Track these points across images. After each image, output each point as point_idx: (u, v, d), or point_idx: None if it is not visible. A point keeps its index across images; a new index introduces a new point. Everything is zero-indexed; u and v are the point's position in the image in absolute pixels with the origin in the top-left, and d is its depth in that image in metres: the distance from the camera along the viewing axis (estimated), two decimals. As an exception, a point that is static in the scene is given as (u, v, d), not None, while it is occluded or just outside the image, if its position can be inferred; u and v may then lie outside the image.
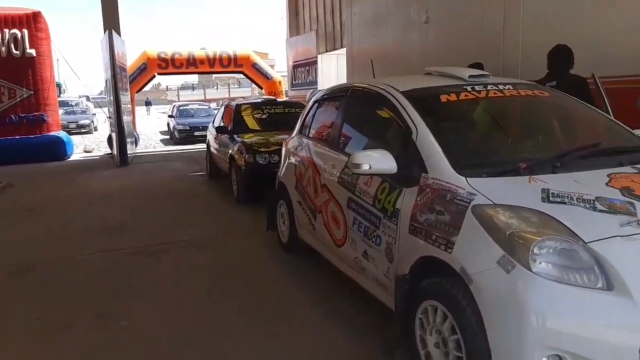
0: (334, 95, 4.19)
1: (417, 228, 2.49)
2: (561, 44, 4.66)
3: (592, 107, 3.45)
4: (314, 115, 4.39)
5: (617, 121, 3.22)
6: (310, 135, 4.27)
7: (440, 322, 2.31)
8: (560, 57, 4.59)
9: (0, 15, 11.84)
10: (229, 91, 51.67)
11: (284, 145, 4.84)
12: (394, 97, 3.10)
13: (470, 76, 3.28)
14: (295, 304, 3.57)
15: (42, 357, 2.99)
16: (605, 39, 5.33)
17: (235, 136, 7.13)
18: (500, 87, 3.16)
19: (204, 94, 53.83)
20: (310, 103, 4.57)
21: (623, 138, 3.00)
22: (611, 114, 3.81)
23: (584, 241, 1.97)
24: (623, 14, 5.33)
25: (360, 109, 3.71)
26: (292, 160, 4.40)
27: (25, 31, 11.92)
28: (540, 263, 1.95)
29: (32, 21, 12.06)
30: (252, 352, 2.93)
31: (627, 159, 2.59)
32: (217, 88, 65.09)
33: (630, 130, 3.07)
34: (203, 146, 10.84)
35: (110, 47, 10.71)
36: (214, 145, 8.37)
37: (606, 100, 4.06)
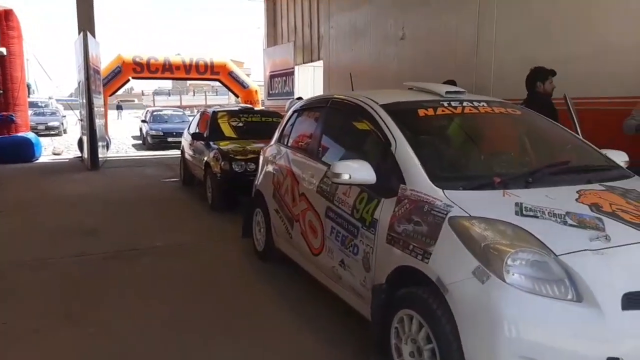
0: (314, 105, 4.23)
1: (394, 238, 2.54)
2: (532, 67, 4.91)
3: (562, 126, 3.59)
4: (293, 124, 4.42)
5: (585, 141, 3.37)
6: (289, 144, 4.30)
7: (415, 331, 2.35)
8: (527, 78, 4.95)
9: (-30, 12, 11.53)
10: (206, 98, 51.17)
11: (261, 153, 4.85)
12: (373, 109, 3.16)
13: (447, 92, 3.37)
14: (270, 311, 3.57)
15: (8, 363, 2.91)
16: (574, 58, 5.56)
17: (211, 143, 7.11)
18: (475, 103, 3.27)
19: (180, 100, 53.15)
20: (290, 112, 4.60)
21: (591, 157, 3.13)
22: (579, 133, 3.97)
23: (555, 254, 2.05)
24: (593, 34, 5.58)
25: (340, 120, 3.76)
26: (270, 168, 4.41)
27: (-4, 29, 11.64)
28: (513, 274, 2.01)
29: (4, 19, 11.77)
30: (220, 355, 2.92)
31: (595, 177, 2.72)
32: (193, 94, 64.40)
33: (598, 149, 3.21)
34: (176, 152, 10.75)
35: (85, 49, 10.53)
36: (188, 152, 8.31)
37: (575, 120, 4.24)
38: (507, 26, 6.71)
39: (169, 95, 62.64)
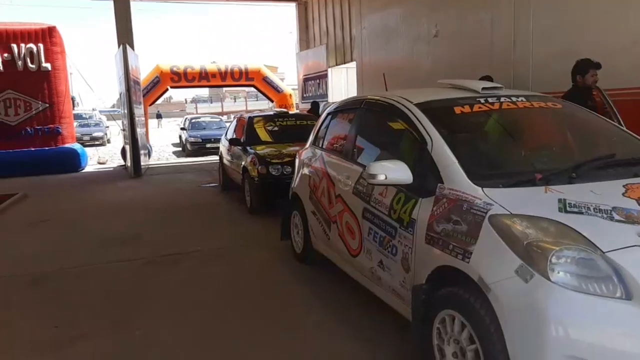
0: (348, 107, 4.24)
1: (433, 238, 2.51)
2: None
3: (605, 118, 3.47)
4: (327, 126, 4.44)
5: (630, 132, 3.24)
6: (324, 147, 4.32)
7: (458, 331, 2.32)
8: (572, 70, 4.88)
9: (17, 30, 12.11)
10: (246, 104, 51.64)
11: (297, 156, 4.89)
12: (408, 109, 3.14)
13: (483, 88, 3.31)
14: (310, 313, 3.59)
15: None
16: (613, 50, 5.36)
17: (248, 148, 7.21)
18: (513, 99, 3.20)
19: (222, 106, 53.55)
20: (324, 115, 4.62)
21: (637, 149, 3.01)
22: (622, 124, 3.83)
23: (602, 250, 1.98)
24: (632, 25, 5.36)
25: (375, 121, 3.76)
26: (306, 171, 4.44)
27: (41, 45, 12.19)
28: (558, 272, 1.96)
29: (48, 36, 12.33)
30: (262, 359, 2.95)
31: (643, 170, 2.61)
32: (234, 100, 64.97)
33: (645, 141, 3.08)
34: (215, 158, 10.94)
35: (125, 61, 10.90)
36: (226, 157, 8.45)
37: (616, 112, 4.09)
38: (544, 19, 6.52)
39: (211, 102, 63.47)
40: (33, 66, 12.11)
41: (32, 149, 12.07)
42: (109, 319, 3.63)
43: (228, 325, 3.44)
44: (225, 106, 55.74)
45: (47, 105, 12.33)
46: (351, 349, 3.03)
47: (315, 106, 11.41)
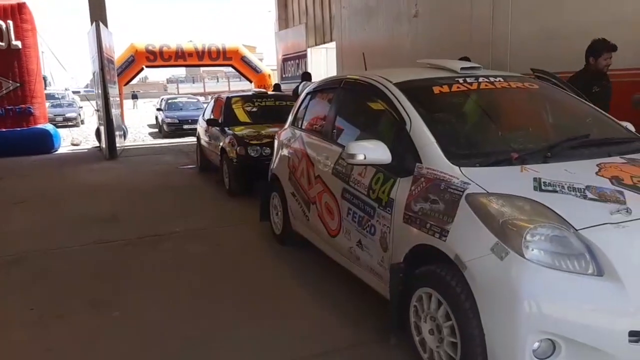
0: (327, 87, 4.21)
1: (411, 217, 2.53)
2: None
3: (582, 99, 3.51)
4: (306, 107, 4.40)
5: (605, 113, 3.29)
6: (303, 127, 4.29)
7: (434, 309, 2.36)
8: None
9: (-15, 6, 11.66)
10: (229, 84, 50.38)
11: (276, 137, 4.86)
12: (387, 88, 3.13)
13: (462, 68, 3.32)
14: (289, 293, 3.60)
15: (36, 347, 2.99)
16: (592, 31, 5.41)
17: (226, 129, 7.13)
18: (492, 79, 3.21)
19: (204, 87, 52.01)
20: (303, 95, 4.58)
21: (611, 129, 3.07)
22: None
23: (575, 228, 2.02)
24: (610, 6, 5.42)
25: (354, 101, 3.74)
26: (285, 152, 4.42)
27: (11, 22, 11.73)
28: (532, 250, 2.00)
29: (17, 12, 11.87)
30: (245, 338, 2.96)
31: (616, 150, 2.66)
32: (217, 81, 63.29)
33: (618, 121, 3.14)
34: (192, 139, 10.80)
35: (98, 40, 10.61)
36: (204, 138, 8.35)
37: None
38: (523, -1, 6.54)
39: (193, 83, 61.97)
40: (2, 44, 11.66)
41: (3, 129, 11.71)
42: (87, 299, 3.58)
43: (209, 305, 3.43)
44: (207, 86, 54.44)
45: (18, 84, 11.94)
46: (333, 326, 3.06)
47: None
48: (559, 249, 2.00)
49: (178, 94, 39.52)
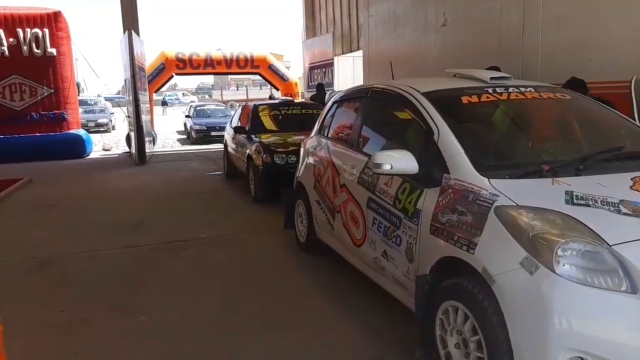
0: (354, 96, 4.21)
1: (438, 228, 2.50)
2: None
3: (615, 111, 3.42)
4: (333, 115, 4.41)
5: (639, 125, 3.20)
6: (330, 136, 4.29)
7: (461, 322, 2.32)
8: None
9: (22, 15, 12.07)
10: (247, 93, 50.51)
11: (302, 145, 4.87)
12: (415, 98, 3.11)
13: (491, 78, 3.28)
14: (312, 302, 3.59)
15: (64, 350, 3.04)
16: (624, 40, 5.28)
17: (252, 136, 7.19)
18: (522, 89, 3.16)
19: (247, 93, 51.63)
20: (330, 104, 4.60)
21: (647, 142, 2.98)
22: (637, 118, 3.78)
23: (608, 244, 1.97)
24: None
25: (381, 110, 3.73)
26: (311, 160, 4.43)
27: (47, 30, 12.15)
28: (564, 265, 1.95)
29: (53, 21, 12.28)
30: (267, 348, 2.96)
31: (651, 163, 2.58)
32: (260, 88, 62.70)
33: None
34: (219, 146, 10.94)
35: (130, 48, 10.86)
36: (231, 145, 8.44)
37: (634, 105, 4.02)
38: (553, 8, 6.43)
39: (237, 89, 61.98)
40: (38, 51, 12.07)
41: (37, 134, 12.08)
42: (114, 304, 3.65)
43: (232, 313, 3.46)
44: (242, 93, 54.02)
45: (52, 90, 12.32)
46: (357, 339, 3.04)
47: (319, 89, 10.85)
48: (592, 265, 1.95)
49: (222, 100, 39.78)
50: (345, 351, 2.91)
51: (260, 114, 7.90)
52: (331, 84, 13.88)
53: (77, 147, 12.55)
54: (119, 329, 3.27)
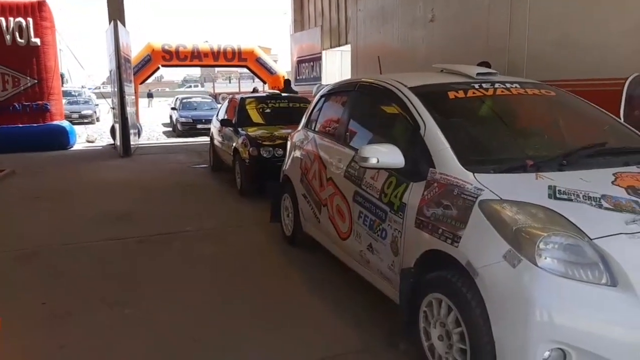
0: (341, 89, 4.21)
1: (423, 222, 2.52)
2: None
3: (599, 107, 3.47)
4: (320, 109, 4.41)
5: (623, 122, 3.25)
6: (317, 130, 4.29)
7: (444, 314, 2.34)
8: None
9: (5, 3, 11.84)
10: (239, 85, 49.73)
11: (289, 139, 4.87)
12: (402, 92, 3.12)
13: (478, 74, 3.30)
14: (298, 295, 3.60)
15: (49, 343, 3.01)
16: (611, 39, 5.34)
17: (239, 129, 7.16)
18: (508, 85, 3.19)
19: (239, 86, 50.85)
20: (317, 97, 4.59)
21: (628, 138, 3.03)
22: (622, 116, 3.84)
23: (589, 237, 2.00)
24: (630, 14, 5.34)
25: (368, 104, 3.74)
26: (298, 154, 4.42)
27: (30, 20, 11.93)
28: (545, 258, 1.98)
29: (37, 10, 12.06)
30: (254, 341, 2.96)
31: (633, 159, 2.62)
32: (253, 81, 61.98)
33: (636, 131, 3.10)
34: (205, 139, 10.87)
35: (115, 38, 10.72)
36: (217, 138, 8.40)
37: (622, 102, 4.07)
38: (541, 5, 6.48)
39: (229, 82, 61.10)
40: (22, 41, 11.86)
41: (20, 125, 11.89)
42: (98, 296, 3.61)
43: (218, 306, 3.45)
44: (233, 86, 53.23)
45: (36, 81, 12.12)
46: (342, 331, 3.06)
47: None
48: (573, 258, 1.98)
49: (214, 91, 39.50)
50: (331, 344, 2.92)
51: (247, 106, 7.86)
52: (319, 78, 13.84)
53: (61, 139, 12.38)
54: (105, 322, 3.24)
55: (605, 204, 2.16)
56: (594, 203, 2.17)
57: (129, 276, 4.03)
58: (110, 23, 11.08)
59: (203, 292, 3.69)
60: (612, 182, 2.33)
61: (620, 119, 3.70)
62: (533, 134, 3.20)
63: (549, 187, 2.26)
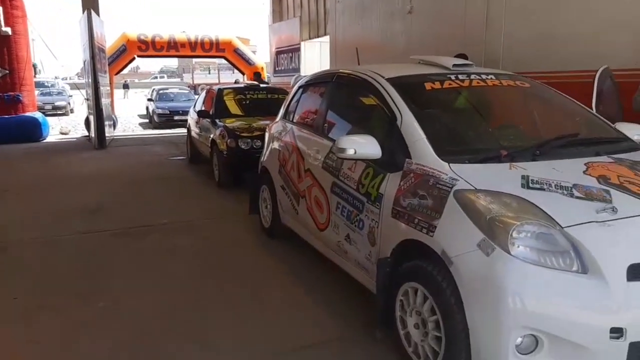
0: (319, 80, 4.19)
1: (399, 212, 2.53)
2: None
3: (572, 99, 3.53)
4: (298, 100, 4.39)
5: (595, 113, 3.31)
6: (295, 121, 4.27)
7: (420, 303, 2.37)
8: None
9: (-27, -9, 11.47)
10: (219, 76, 49.03)
11: (267, 130, 4.84)
12: (379, 83, 3.13)
13: (454, 65, 3.33)
14: (277, 286, 3.60)
15: (20, 338, 2.96)
16: (585, 33, 5.43)
17: (217, 120, 7.09)
18: (483, 76, 3.22)
19: (218, 77, 49.97)
20: (295, 88, 4.57)
21: (600, 129, 3.09)
22: (594, 107, 3.92)
23: (560, 226, 2.04)
24: (604, 8, 5.43)
25: (346, 95, 3.74)
26: (276, 145, 4.40)
27: (1, 8, 11.57)
28: (518, 246, 2.01)
29: (8, -2, 11.71)
30: (231, 331, 2.96)
31: (604, 149, 2.68)
32: (233, 72, 60.68)
33: (607, 122, 3.16)
34: (183, 131, 10.73)
35: (89, 28, 10.48)
36: (195, 130, 8.30)
37: (594, 94, 4.14)
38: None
39: (209, 73, 60.09)
40: (-8, 30, 11.52)
41: (-9, 116, 11.58)
42: (72, 290, 3.56)
43: (196, 298, 3.43)
44: (213, 76, 52.39)
45: (7, 71, 11.77)
46: (321, 320, 3.07)
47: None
48: (545, 246, 2.02)
49: (192, 83, 38.93)
50: (309, 333, 2.94)
51: (225, 98, 7.78)
52: (298, 69, 13.77)
53: (33, 131, 12.09)
54: (79, 316, 3.19)
55: (576, 193, 2.20)
56: (565, 192, 2.21)
57: (103, 270, 3.97)
58: (83, 12, 10.80)
59: (180, 284, 3.66)
60: (584, 172, 2.38)
61: (592, 110, 3.77)
62: (508, 125, 3.25)
63: (522, 176, 2.29)
